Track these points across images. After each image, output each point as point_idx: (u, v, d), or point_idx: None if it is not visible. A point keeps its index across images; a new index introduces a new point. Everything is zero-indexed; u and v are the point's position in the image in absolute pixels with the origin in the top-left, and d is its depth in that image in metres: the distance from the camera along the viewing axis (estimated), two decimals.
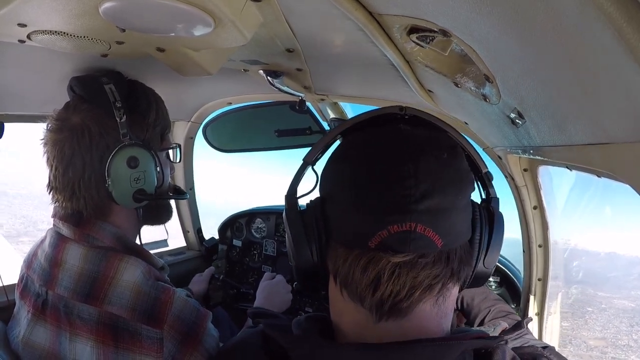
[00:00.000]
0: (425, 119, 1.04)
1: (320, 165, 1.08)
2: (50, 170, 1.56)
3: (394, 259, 0.87)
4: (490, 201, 1.07)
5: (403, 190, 0.86)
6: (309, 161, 1.08)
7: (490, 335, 0.99)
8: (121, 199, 1.58)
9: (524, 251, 2.30)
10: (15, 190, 16.73)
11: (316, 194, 1.06)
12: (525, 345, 1.58)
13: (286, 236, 1.06)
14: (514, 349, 1.00)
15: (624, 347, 9.33)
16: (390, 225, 0.85)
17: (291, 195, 1.06)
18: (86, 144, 1.52)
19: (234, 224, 3.44)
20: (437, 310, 0.95)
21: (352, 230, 0.91)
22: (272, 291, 2.31)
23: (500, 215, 1.04)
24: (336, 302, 0.99)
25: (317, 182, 1.04)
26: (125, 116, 1.57)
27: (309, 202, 1.03)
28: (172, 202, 1.91)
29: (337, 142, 1.07)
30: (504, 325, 1.81)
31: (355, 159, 0.94)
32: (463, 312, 2.13)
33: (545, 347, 1.32)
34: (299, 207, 1.04)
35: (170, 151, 1.83)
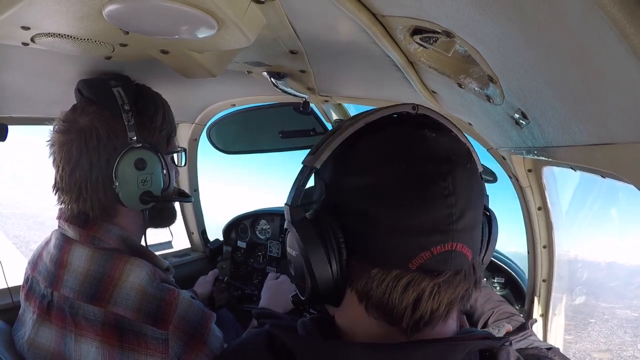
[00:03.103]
0: (439, 121, 1.00)
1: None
2: (57, 172, 1.57)
3: (436, 279, 0.87)
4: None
5: (445, 209, 0.85)
6: (316, 167, 0.95)
7: (495, 336, 1.00)
8: (128, 200, 1.58)
9: (528, 252, 2.29)
10: (10, 210, 16.70)
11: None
12: (530, 347, 1.58)
13: (293, 252, 0.97)
14: (518, 350, 1.00)
15: (630, 358, 9.22)
16: (433, 246, 0.85)
17: (297, 206, 0.96)
18: (94, 146, 1.53)
19: (238, 226, 3.44)
20: (456, 315, 0.97)
21: (390, 251, 0.87)
22: (276, 291, 2.31)
23: (494, 214, 1.05)
24: (351, 316, 0.97)
25: (323, 191, 0.97)
26: (133, 119, 1.57)
27: (312, 211, 0.97)
28: (177, 205, 1.92)
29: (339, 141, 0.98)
30: (508, 327, 1.81)
31: (386, 172, 0.88)
32: (466, 313, 2.13)
33: (550, 348, 1.32)
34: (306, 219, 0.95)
35: (175, 155, 1.83)
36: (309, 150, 1.00)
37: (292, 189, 0.97)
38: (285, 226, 0.99)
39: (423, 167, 0.87)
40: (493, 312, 1.99)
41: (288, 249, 1.00)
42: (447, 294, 0.89)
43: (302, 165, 0.99)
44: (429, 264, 0.86)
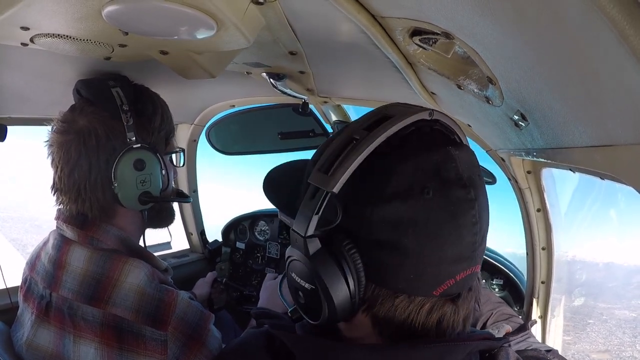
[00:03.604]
0: (452, 127, 0.96)
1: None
2: (56, 172, 1.56)
3: (457, 301, 0.90)
4: None
5: (472, 236, 0.85)
6: (334, 192, 0.84)
7: (495, 337, 1.00)
8: (127, 201, 1.58)
9: (527, 254, 2.29)
10: (7, 214, 16.64)
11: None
12: (529, 348, 1.58)
13: (306, 285, 0.91)
14: (517, 352, 1.00)
15: (629, 358, 9.20)
16: (458, 274, 0.86)
17: (313, 236, 0.87)
18: (93, 146, 1.53)
19: (237, 227, 3.44)
20: None
21: (416, 280, 0.85)
22: (274, 291, 2.30)
23: None
24: (360, 331, 0.95)
25: (339, 216, 0.86)
26: (132, 119, 1.57)
27: (327, 238, 0.88)
28: (175, 205, 1.92)
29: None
30: (508, 327, 1.81)
31: (417, 201, 0.83)
32: None
33: (549, 350, 1.32)
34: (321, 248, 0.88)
35: (174, 155, 1.83)
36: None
37: (303, 214, 0.87)
38: (290, 254, 0.93)
39: (453, 194, 0.84)
40: (492, 313, 1.99)
41: (297, 279, 0.93)
42: (464, 310, 0.91)
43: (313, 186, 0.88)
44: (451, 289, 0.87)
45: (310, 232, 0.86)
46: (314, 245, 0.87)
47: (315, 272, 0.87)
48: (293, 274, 0.94)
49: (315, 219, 0.85)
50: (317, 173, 0.87)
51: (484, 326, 1.96)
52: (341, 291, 0.86)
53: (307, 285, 0.90)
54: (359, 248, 0.87)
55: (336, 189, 0.83)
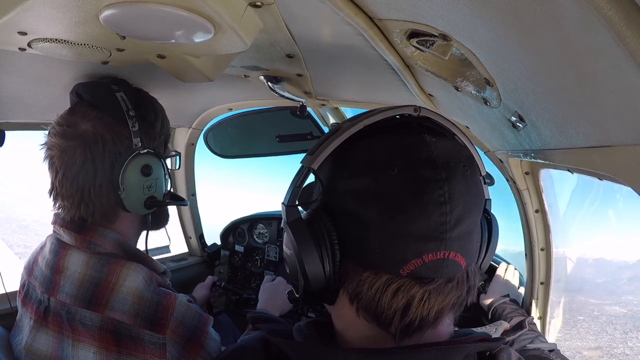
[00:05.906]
0: (441, 124, 0.98)
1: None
2: (56, 177, 1.54)
3: (426, 286, 0.87)
4: (485, 203, 1.03)
5: (439, 217, 0.84)
6: (313, 167, 0.93)
7: (493, 336, 0.99)
8: (133, 206, 1.58)
9: (526, 255, 2.29)
10: None
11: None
12: (532, 348, 1.58)
13: (288, 251, 0.98)
14: (520, 351, 1.00)
15: (620, 355, 9.16)
16: (425, 254, 0.84)
17: (293, 205, 0.95)
18: (99, 152, 1.52)
19: (236, 230, 3.44)
20: (450, 320, 0.96)
21: (381, 255, 0.86)
22: (273, 292, 2.30)
23: (495, 219, 1.04)
24: (344, 316, 0.97)
25: (321, 191, 0.95)
26: (137, 125, 1.57)
27: (309, 211, 0.96)
28: (173, 209, 1.92)
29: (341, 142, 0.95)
30: (505, 325, 1.81)
31: (382, 175, 0.87)
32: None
33: (552, 350, 1.32)
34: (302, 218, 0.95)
35: (169, 159, 1.83)
36: (305, 154, 0.98)
37: (289, 188, 0.97)
38: (281, 225, 0.99)
39: (419, 173, 0.86)
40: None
41: (284, 248, 1.00)
42: (438, 301, 0.88)
43: (300, 165, 0.98)
44: (419, 271, 0.85)
45: (292, 202, 0.95)
46: (294, 214, 0.94)
47: (290, 237, 0.93)
48: (284, 245, 1.01)
49: (296, 191, 0.96)
50: (306, 156, 0.97)
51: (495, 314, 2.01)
52: (312, 256, 0.91)
53: (289, 252, 0.97)
54: (333, 220, 0.92)
55: (314, 165, 0.93)
